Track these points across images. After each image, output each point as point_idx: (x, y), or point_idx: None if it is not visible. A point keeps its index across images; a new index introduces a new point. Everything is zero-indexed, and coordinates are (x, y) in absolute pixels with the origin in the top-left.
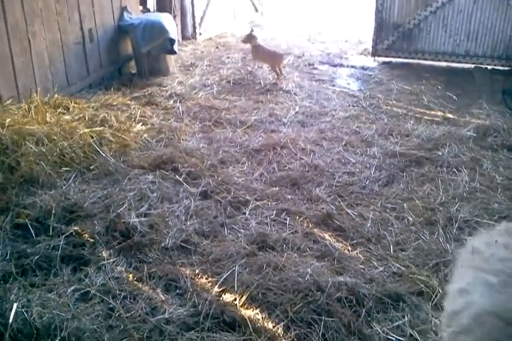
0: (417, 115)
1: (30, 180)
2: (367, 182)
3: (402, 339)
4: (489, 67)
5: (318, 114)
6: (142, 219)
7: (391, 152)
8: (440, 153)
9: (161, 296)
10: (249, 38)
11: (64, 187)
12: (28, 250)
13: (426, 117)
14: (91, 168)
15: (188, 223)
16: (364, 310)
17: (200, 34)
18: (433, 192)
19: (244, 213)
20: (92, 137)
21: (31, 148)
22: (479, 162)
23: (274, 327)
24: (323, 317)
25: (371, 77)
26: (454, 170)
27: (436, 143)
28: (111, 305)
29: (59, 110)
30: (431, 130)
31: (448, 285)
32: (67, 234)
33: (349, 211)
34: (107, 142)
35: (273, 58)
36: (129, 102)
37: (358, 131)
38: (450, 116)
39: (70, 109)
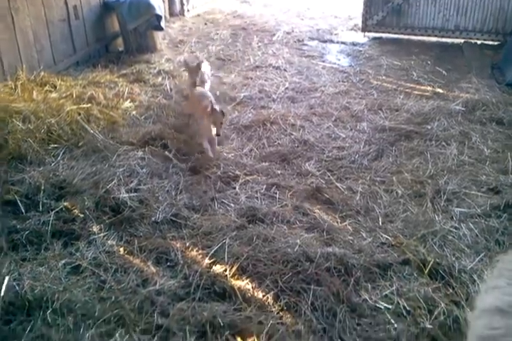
0: (406, 90)
1: (19, 157)
2: (356, 157)
3: (390, 307)
4: (479, 42)
5: (308, 90)
6: (132, 194)
7: (380, 127)
8: (429, 127)
9: (152, 269)
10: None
11: (52, 164)
12: (18, 226)
13: (415, 92)
14: (79, 144)
15: (178, 198)
16: (353, 280)
17: (188, 11)
18: (422, 166)
19: (234, 188)
20: (80, 114)
21: (18, 125)
22: (468, 135)
23: (263, 296)
24: (312, 287)
25: (361, 52)
26: (443, 143)
27: (425, 117)
28: (102, 278)
29: (46, 88)
30: (420, 104)
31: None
32: (57, 209)
33: (338, 185)
34: (95, 119)
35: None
36: (116, 79)
37: (347, 107)
38: (439, 90)
39: (57, 87)
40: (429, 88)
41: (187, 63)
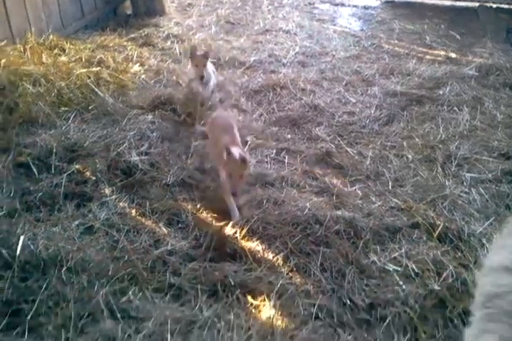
0: (419, 54)
1: (29, 120)
2: (367, 122)
3: (398, 269)
4: (494, 6)
5: (319, 54)
6: (143, 157)
7: (392, 91)
8: (441, 92)
9: (164, 230)
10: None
11: (63, 127)
12: (31, 187)
13: (428, 56)
14: (89, 108)
15: (189, 161)
16: (362, 242)
17: None
18: (433, 131)
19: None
20: (90, 77)
21: (29, 88)
22: (481, 100)
23: (273, 257)
24: (321, 248)
25: (373, 16)
26: (454, 108)
27: (437, 82)
28: (115, 238)
29: (55, 51)
30: (433, 69)
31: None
32: (69, 172)
33: (348, 149)
34: (105, 82)
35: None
36: (125, 43)
37: (358, 71)
38: (453, 55)
39: (66, 50)
40: (442, 52)
41: (193, 52)
